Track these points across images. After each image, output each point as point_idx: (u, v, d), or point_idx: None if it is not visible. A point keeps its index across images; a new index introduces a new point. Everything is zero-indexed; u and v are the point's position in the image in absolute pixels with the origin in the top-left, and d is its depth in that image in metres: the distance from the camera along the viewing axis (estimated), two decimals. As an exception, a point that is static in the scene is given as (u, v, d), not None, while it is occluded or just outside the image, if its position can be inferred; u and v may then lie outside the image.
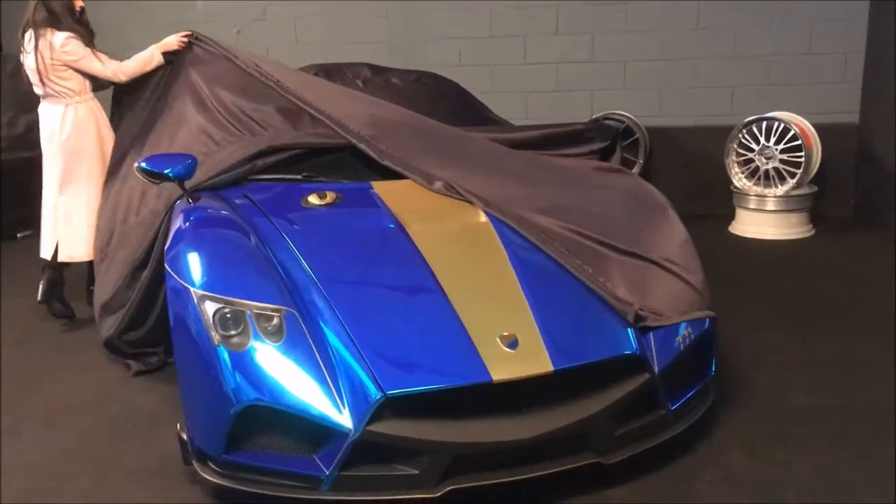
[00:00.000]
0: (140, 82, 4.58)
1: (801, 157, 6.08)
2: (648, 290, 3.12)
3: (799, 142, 6.07)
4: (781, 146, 6.14)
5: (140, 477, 3.07)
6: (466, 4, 7.08)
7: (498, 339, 2.75)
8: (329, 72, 4.77)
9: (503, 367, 2.67)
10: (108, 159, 4.63)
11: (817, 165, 6.31)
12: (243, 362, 2.72)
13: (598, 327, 2.90)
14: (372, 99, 4.22)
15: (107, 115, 4.81)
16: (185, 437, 2.89)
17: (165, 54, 4.54)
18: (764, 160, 6.24)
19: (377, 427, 2.61)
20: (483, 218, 3.34)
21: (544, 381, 2.74)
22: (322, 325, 2.80)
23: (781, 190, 6.16)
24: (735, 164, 6.39)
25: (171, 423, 3.19)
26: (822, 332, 4.23)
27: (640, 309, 2.98)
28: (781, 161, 6.17)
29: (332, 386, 2.66)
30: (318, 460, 2.68)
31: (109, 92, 4.78)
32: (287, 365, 2.70)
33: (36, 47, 4.49)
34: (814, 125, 6.28)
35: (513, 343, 2.75)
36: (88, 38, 4.65)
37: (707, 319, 3.17)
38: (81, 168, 4.66)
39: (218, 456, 2.76)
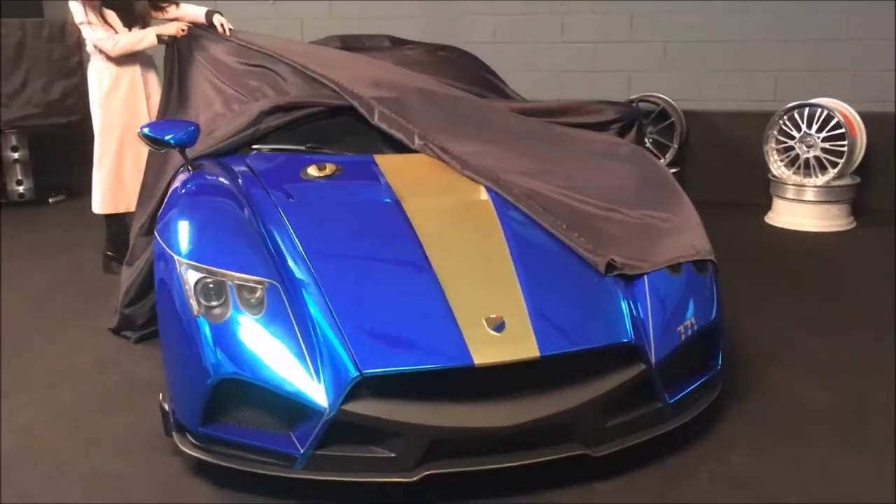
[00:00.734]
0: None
1: (843, 146, 5.81)
2: (637, 243, 3.05)
3: (842, 130, 5.80)
4: (824, 134, 5.88)
5: (125, 445, 3.04)
6: (503, -20, 6.94)
7: (484, 321, 2.64)
8: (348, 42, 4.68)
9: (486, 351, 2.56)
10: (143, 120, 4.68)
11: (861, 155, 6.03)
12: (222, 334, 2.66)
13: (592, 314, 2.77)
14: (379, 63, 4.15)
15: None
16: (166, 407, 2.84)
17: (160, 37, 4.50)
18: (805, 148, 5.99)
19: (353, 406, 2.52)
20: (483, 195, 3.22)
21: (531, 368, 2.62)
22: (306, 299, 2.72)
23: (822, 180, 5.91)
24: (774, 152, 6.15)
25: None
26: (847, 328, 4.03)
27: (614, 259, 2.89)
28: (823, 150, 5.91)
29: (309, 362, 2.58)
30: (294, 438, 2.61)
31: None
32: (265, 339, 2.63)
33: None
34: (859, 113, 6.00)
35: (499, 326, 2.63)
36: (127, 11, 4.64)
37: (714, 311, 3.02)
38: (116, 125, 4.71)
39: (194, 428, 2.71)
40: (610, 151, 3.75)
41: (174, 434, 2.82)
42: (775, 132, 6.10)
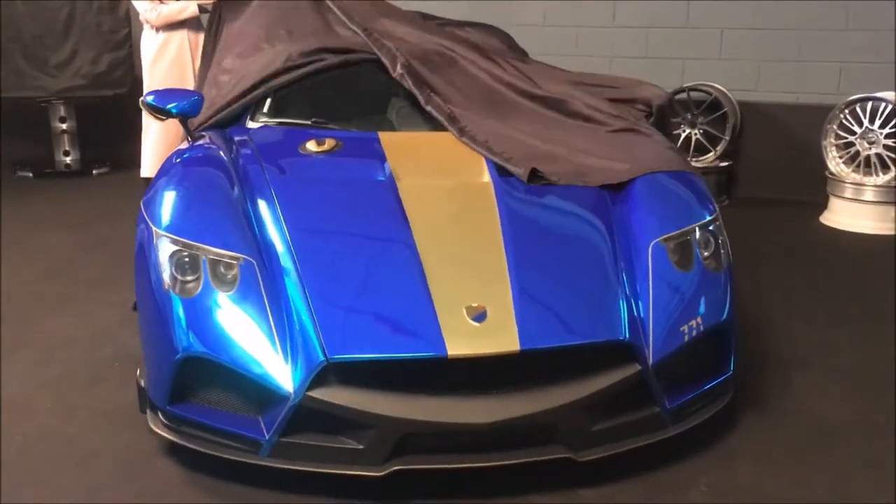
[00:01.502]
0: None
1: (908, 143, 5.43)
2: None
3: (907, 126, 5.41)
4: (887, 130, 5.49)
5: (104, 421, 2.97)
6: (555, -39, 6.69)
7: (464, 310, 2.46)
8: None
9: (462, 342, 2.39)
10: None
11: (928, 155, 5.62)
12: (191, 310, 2.55)
13: (584, 309, 2.57)
14: (409, 28, 4.00)
15: None
16: (142, 384, 2.75)
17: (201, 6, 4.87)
18: (866, 145, 5.60)
19: (319, 393, 2.38)
20: (486, 178, 3.03)
21: (513, 363, 2.44)
22: (284, 278, 2.58)
23: (882, 179, 5.52)
24: (833, 148, 5.77)
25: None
26: (888, 339, 3.71)
27: (537, 169, 3.00)
28: (886, 147, 5.52)
29: (279, 344, 2.45)
30: (261, 423, 2.49)
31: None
32: (235, 317, 2.51)
33: None
34: (928, 109, 5.59)
35: (480, 316, 2.45)
36: None
37: (726, 312, 2.78)
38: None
39: (163, 406, 2.61)
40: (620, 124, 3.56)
41: (147, 412, 2.73)
42: (835, 127, 5.72)
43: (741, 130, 6.34)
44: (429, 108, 3.47)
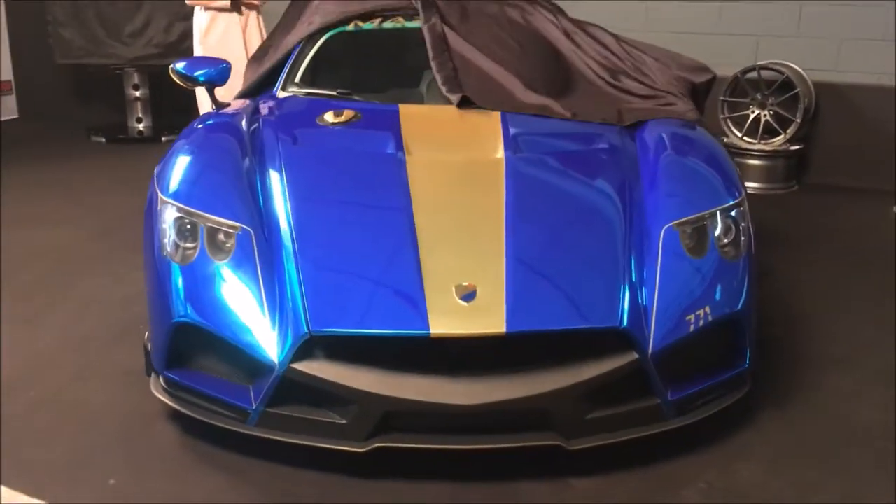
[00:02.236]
0: None
1: None
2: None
3: None
4: (973, 116, 5.12)
5: (116, 381, 3.03)
6: (625, -70, 6.46)
7: (453, 289, 2.40)
8: None
9: (447, 321, 2.32)
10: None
11: None
12: (187, 277, 2.56)
13: (582, 293, 2.46)
14: None
15: None
16: (149, 347, 2.79)
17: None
18: (950, 131, 5.25)
19: (303, 366, 2.36)
20: (499, 153, 2.94)
21: (503, 345, 2.37)
22: (281, 249, 2.57)
23: (965, 168, 5.16)
24: (913, 133, 5.43)
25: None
26: (942, 339, 3.47)
27: (468, 96, 3.24)
28: (971, 134, 5.16)
29: (268, 314, 2.44)
30: (251, 392, 2.49)
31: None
32: (227, 286, 2.51)
33: None
34: None
35: (469, 295, 2.38)
36: None
37: (742, 302, 2.63)
38: None
39: (161, 371, 2.64)
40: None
41: (151, 375, 2.77)
42: (916, 111, 5.37)
43: (816, 113, 6.02)
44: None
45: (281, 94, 3.59)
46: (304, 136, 3.07)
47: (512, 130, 3.10)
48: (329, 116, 3.18)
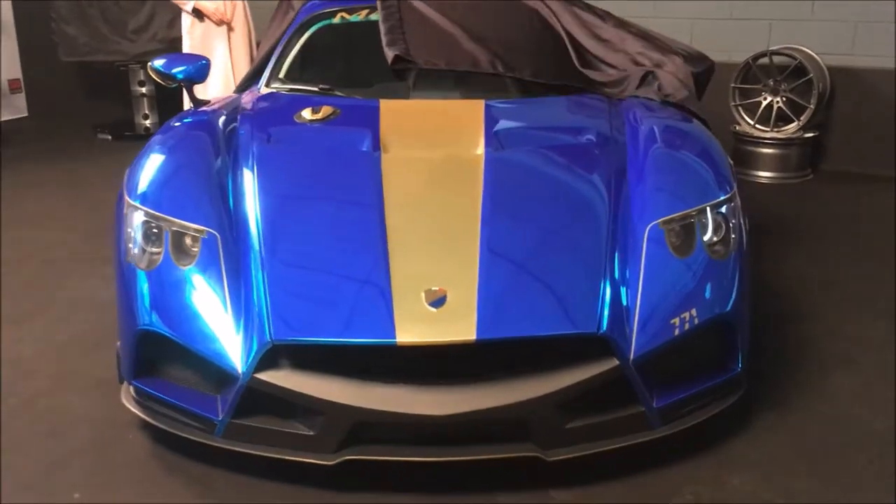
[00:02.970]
0: None
1: None
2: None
3: None
4: None
5: (95, 388, 2.97)
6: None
7: (423, 294, 2.29)
8: None
9: (415, 328, 2.22)
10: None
11: None
12: (152, 283, 2.48)
13: (558, 297, 2.34)
14: None
15: None
16: (120, 354, 2.72)
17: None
18: (970, 116, 5.04)
19: (267, 376, 2.27)
20: (479, 150, 2.82)
21: (476, 352, 2.26)
22: (249, 252, 2.48)
23: None
24: (932, 119, 5.23)
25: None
26: (955, 336, 3.31)
27: (401, 55, 3.25)
28: None
29: (233, 321, 2.35)
30: (218, 402, 2.40)
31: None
32: (192, 292, 2.42)
33: None
34: None
35: (439, 301, 2.27)
36: None
37: (731, 303, 2.49)
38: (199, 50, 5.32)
39: (129, 380, 2.57)
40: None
41: (123, 383, 2.70)
42: (935, 95, 5.18)
43: (831, 98, 5.83)
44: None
45: (264, 90, 3.50)
46: (279, 133, 2.98)
47: (495, 125, 2.98)
48: (307, 113, 3.08)
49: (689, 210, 2.58)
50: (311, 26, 3.70)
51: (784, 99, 5.71)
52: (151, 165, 2.77)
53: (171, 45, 7.13)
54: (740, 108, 5.88)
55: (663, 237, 2.51)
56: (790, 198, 5.39)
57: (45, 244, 4.48)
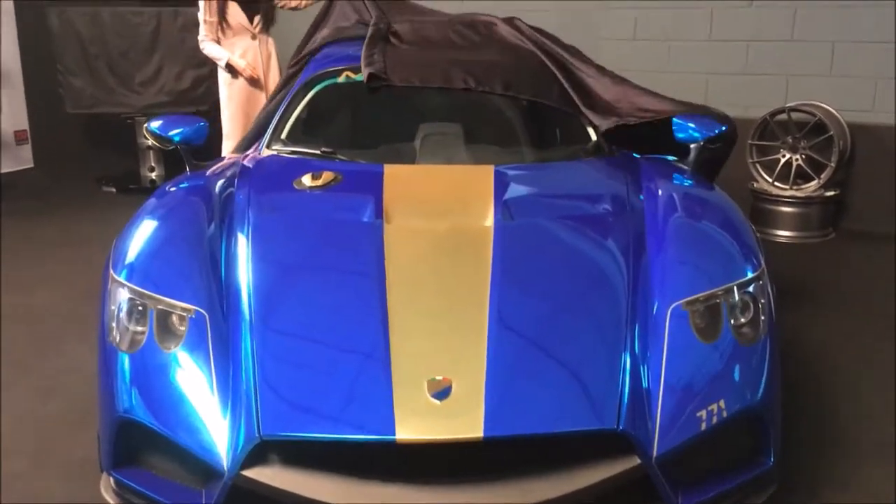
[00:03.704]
0: None
1: None
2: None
3: None
4: None
5: (73, 473, 2.80)
6: (647, -31, 6.20)
7: (425, 384, 2.10)
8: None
9: (416, 424, 2.02)
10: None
11: None
12: (134, 366, 2.30)
13: (573, 389, 2.14)
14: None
15: None
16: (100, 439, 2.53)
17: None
18: None
19: (254, 473, 2.07)
20: (488, 221, 2.64)
21: (483, 449, 2.06)
22: (239, 331, 2.30)
23: None
24: (958, 178, 5.04)
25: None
26: None
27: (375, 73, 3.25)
28: None
29: (220, 411, 2.16)
30: (203, 498, 2.20)
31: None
32: (176, 377, 2.24)
33: None
34: None
35: (443, 392, 2.08)
36: (250, 10, 5.15)
37: (761, 392, 2.29)
38: (236, 97, 5.23)
39: (108, 470, 2.37)
40: None
41: (103, 472, 2.50)
42: (961, 154, 5.00)
43: (852, 156, 5.66)
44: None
45: (265, 153, 3.34)
46: (276, 201, 2.82)
47: (505, 192, 2.81)
48: (307, 179, 2.91)
49: (715, 290, 2.39)
50: (315, 85, 3.56)
51: (804, 156, 5.55)
52: (140, 235, 2.61)
53: (179, 98, 7.09)
54: (758, 165, 5.71)
55: (687, 320, 2.32)
56: (811, 258, 5.19)
57: (36, 307, 4.31)
